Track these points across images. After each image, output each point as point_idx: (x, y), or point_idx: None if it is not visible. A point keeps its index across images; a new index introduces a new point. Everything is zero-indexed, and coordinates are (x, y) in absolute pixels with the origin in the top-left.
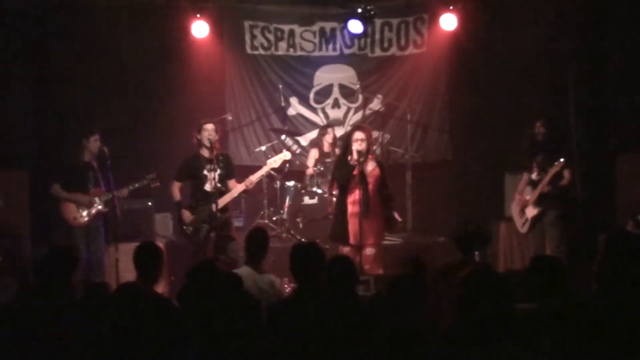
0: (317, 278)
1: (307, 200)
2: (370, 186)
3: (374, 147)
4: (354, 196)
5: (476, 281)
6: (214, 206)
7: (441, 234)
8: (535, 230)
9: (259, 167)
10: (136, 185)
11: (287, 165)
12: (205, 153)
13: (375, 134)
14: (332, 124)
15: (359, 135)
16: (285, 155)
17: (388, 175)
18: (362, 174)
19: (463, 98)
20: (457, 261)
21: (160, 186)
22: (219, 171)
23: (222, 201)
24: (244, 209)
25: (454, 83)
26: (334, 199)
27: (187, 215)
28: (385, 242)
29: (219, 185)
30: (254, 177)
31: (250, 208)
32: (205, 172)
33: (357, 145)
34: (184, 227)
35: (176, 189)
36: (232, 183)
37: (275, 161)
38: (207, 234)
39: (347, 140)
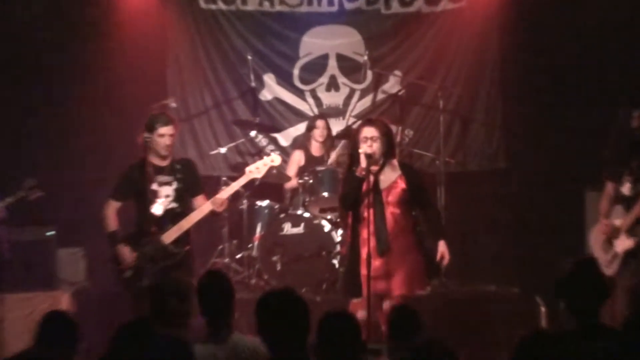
0: (299, 344)
1: (288, 228)
2: (391, 207)
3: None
4: (368, 225)
5: None
6: (165, 236)
7: (490, 280)
8: (629, 271)
9: (217, 179)
10: (8, 200)
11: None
12: (155, 160)
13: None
14: (326, 113)
15: (368, 131)
16: (274, 159)
17: (426, 183)
18: (376, 190)
19: (523, 78)
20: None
21: (44, 196)
22: (175, 185)
23: (179, 229)
24: (192, 240)
25: (510, 55)
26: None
27: (125, 251)
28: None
29: (174, 205)
30: (225, 194)
31: (203, 240)
32: (155, 186)
33: (366, 147)
34: (121, 270)
35: (111, 213)
36: (197, 201)
37: (258, 169)
38: (155, 279)
39: (352, 140)
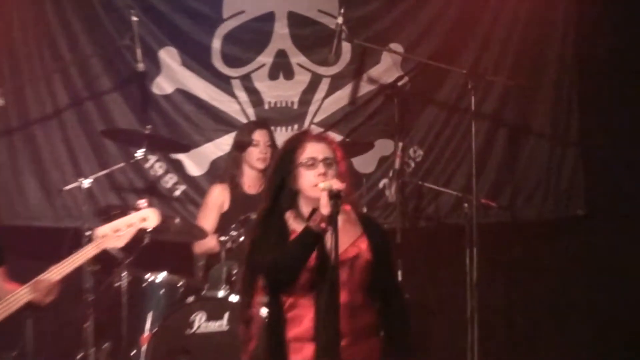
0: None
1: (201, 322)
2: (348, 292)
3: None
4: (303, 313)
5: None
6: None
7: None
8: None
9: (74, 233)
10: None
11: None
12: None
13: (382, 145)
14: (270, 119)
15: (317, 150)
16: (147, 218)
17: (393, 255)
18: (334, 260)
19: (616, 62)
20: None
21: None
22: None
23: None
24: (31, 338)
25: (592, 30)
26: (262, 313)
27: None
28: None
29: None
30: (57, 274)
31: (50, 345)
32: None
33: (328, 180)
34: None
35: None
36: None
37: (118, 233)
38: None
39: (281, 162)
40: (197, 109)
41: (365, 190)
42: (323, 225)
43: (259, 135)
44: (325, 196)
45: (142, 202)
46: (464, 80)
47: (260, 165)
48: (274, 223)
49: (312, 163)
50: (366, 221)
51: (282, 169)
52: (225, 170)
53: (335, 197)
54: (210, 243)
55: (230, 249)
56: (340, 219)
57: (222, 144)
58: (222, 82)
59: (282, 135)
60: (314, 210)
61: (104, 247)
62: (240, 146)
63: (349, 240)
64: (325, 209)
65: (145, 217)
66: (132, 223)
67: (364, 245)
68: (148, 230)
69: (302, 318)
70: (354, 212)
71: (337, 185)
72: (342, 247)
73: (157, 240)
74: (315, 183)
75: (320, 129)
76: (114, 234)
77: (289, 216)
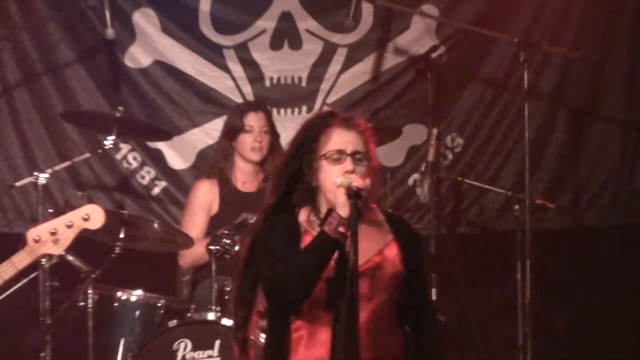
0: None
1: (186, 352)
2: (371, 308)
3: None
4: (314, 335)
5: None
6: None
7: None
8: None
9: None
10: None
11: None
12: None
13: (413, 132)
14: (269, 100)
15: (346, 139)
16: (89, 215)
17: (426, 263)
18: (353, 271)
19: None
20: None
21: None
22: None
23: None
24: None
25: None
26: (261, 339)
27: None
28: None
29: None
30: None
31: None
32: None
33: (349, 176)
34: None
35: None
36: None
37: (55, 236)
38: None
39: (299, 151)
40: (180, 86)
41: (390, 188)
42: (342, 229)
43: (252, 119)
44: (342, 194)
45: (81, 195)
46: (514, 51)
47: (255, 157)
48: (283, 222)
49: (338, 157)
50: (396, 223)
51: (299, 158)
52: (213, 162)
53: (354, 196)
54: (196, 253)
55: (222, 260)
56: (364, 220)
57: (212, 130)
58: (212, 53)
59: (287, 120)
60: (330, 212)
61: (40, 254)
62: (230, 133)
63: (376, 247)
64: (343, 209)
65: (88, 214)
66: (72, 223)
67: (392, 253)
68: (92, 228)
69: (313, 342)
70: (381, 212)
71: (357, 182)
72: (366, 256)
73: (131, 249)
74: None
75: (346, 113)
76: (50, 237)
77: (303, 215)
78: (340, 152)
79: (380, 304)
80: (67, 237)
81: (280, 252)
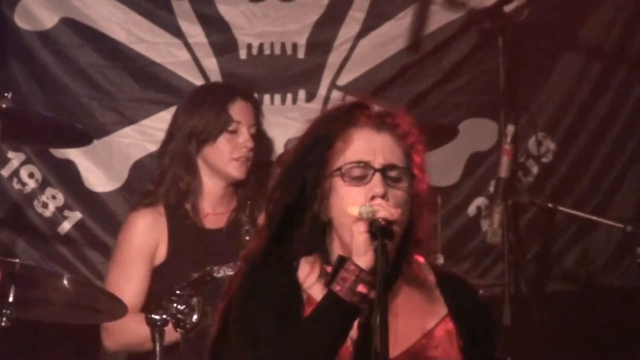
0: None
1: None
2: None
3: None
4: None
5: None
6: None
7: None
8: None
9: None
10: None
11: None
12: None
13: (475, 131)
14: (248, 79)
15: (386, 153)
16: None
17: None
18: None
19: None
20: None
21: None
22: None
23: None
24: None
25: None
26: None
27: None
28: None
29: None
30: None
31: None
32: None
33: (378, 206)
34: None
35: None
36: None
37: None
38: None
39: (327, 161)
40: (104, 60)
41: (440, 220)
42: (362, 288)
43: (240, 112)
44: (362, 232)
45: None
46: (636, 4)
47: (238, 172)
48: (275, 283)
49: (362, 175)
50: (454, 287)
51: (302, 176)
52: (159, 181)
53: (383, 234)
54: (131, 328)
55: (172, 337)
56: (403, 280)
57: (155, 130)
58: (156, 7)
59: (274, 112)
60: (343, 260)
61: None
62: (200, 133)
63: (420, 325)
64: (363, 257)
65: None
66: None
67: (446, 334)
68: None
69: None
70: (430, 269)
71: (385, 211)
72: (404, 339)
73: (26, 320)
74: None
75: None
76: None
77: (304, 269)
78: (365, 165)
79: None
80: None
81: (269, 333)
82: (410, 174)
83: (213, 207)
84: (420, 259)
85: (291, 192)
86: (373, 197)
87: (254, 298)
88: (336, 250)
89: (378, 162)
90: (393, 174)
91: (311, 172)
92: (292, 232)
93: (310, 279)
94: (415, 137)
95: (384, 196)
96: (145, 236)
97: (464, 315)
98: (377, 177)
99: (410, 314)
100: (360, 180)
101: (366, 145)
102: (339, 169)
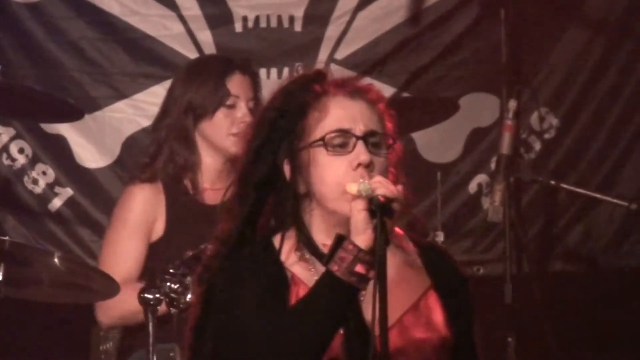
0: None
1: None
2: None
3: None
4: None
5: None
6: None
7: None
8: None
9: None
10: None
11: None
12: None
13: (476, 106)
14: (245, 53)
15: (365, 120)
16: None
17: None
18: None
19: None
20: None
21: None
22: None
23: None
24: None
25: None
26: None
27: None
28: None
29: None
30: None
31: None
32: None
33: (376, 184)
34: None
35: None
36: None
37: None
38: None
39: (303, 131)
40: (96, 33)
41: (441, 196)
42: (361, 268)
43: (238, 86)
44: (361, 210)
45: None
46: None
47: (236, 148)
48: (258, 258)
49: (343, 142)
50: (433, 258)
51: (273, 149)
52: (155, 155)
53: (383, 211)
54: (125, 305)
55: (166, 316)
56: (393, 256)
57: (148, 105)
58: None
59: (270, 86)
60: (341, 239)
61: None
62: (197, 108)
63: (408, 297)
64: (361, 236)
65: None
66: None
67: (431, 307)
68: None
69: None
70: (415, 242)
71: (384, 188)
72: (392, 311)
73: (16, 300)
74: (344, 181)
75: (350, 72)
76: None
77: (285, 245)
78: (346, 133)
79: None
80: None
81: (259, 317)
82: (387, 140)
83: (211, 183)
84: (399, 230)
85: (260, 167)
86: (359, 165)
87: (237, 281)
88: (316, 223)
89: (359, 130)
90: (374, 140)
91: (283, 146)
92: (265, 208)
93: (292, 257)
94: (384, 103)
95: (369, 164)
96: (144, 211)
97: (447, 286)
98: (360, 144)
99: (396, 286)
100: (342, 148)
101: (344, 113)
102: (322, 139)
